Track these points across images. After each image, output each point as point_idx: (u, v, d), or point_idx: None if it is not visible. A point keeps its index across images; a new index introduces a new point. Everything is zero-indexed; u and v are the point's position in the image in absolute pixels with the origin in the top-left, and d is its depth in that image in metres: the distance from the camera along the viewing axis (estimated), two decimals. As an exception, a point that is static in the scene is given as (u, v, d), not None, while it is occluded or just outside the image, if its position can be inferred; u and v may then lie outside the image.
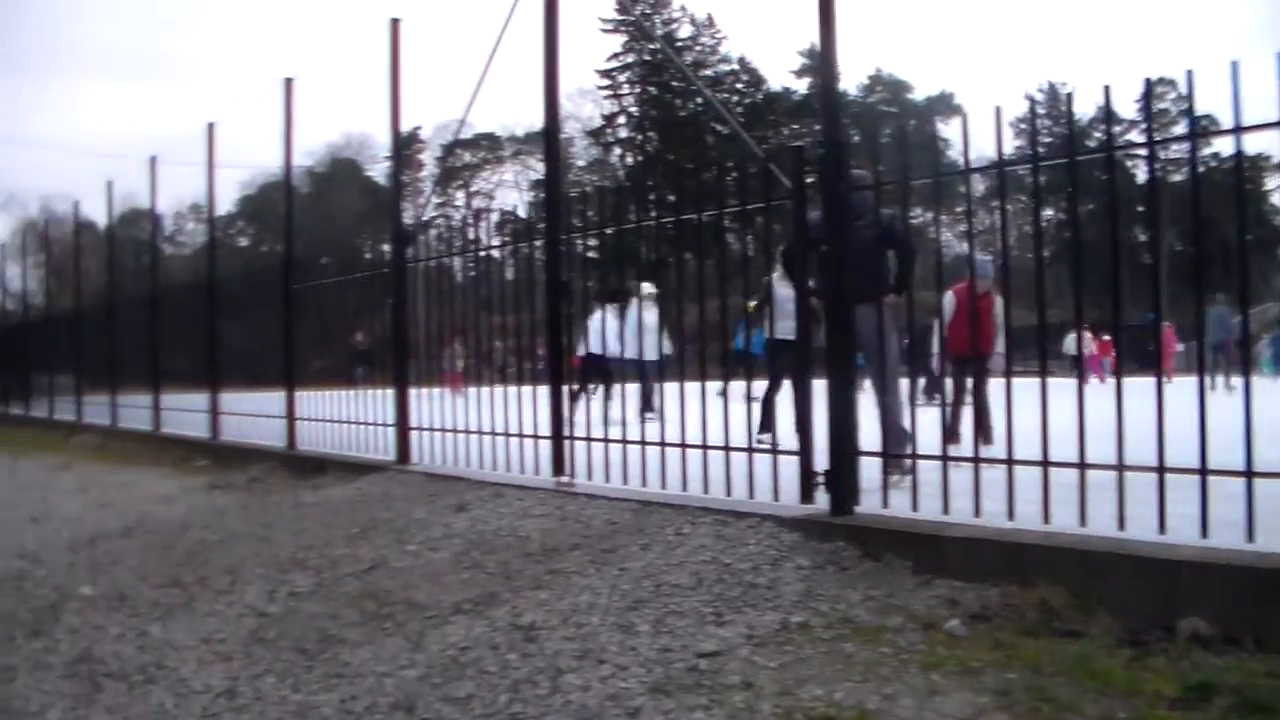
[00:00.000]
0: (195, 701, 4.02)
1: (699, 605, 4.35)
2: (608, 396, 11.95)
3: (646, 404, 11.64)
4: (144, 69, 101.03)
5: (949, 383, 7.78)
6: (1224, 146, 43.50)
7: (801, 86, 68.12)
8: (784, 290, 10.13)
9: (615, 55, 69.51)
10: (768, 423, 8.17)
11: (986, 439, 6.68)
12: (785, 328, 9.91)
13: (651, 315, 11.58)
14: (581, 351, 11.64)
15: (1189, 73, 4.18)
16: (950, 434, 6.60)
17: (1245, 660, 3.44)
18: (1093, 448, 4.47)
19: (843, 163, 5.50)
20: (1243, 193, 5.65)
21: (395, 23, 8.88)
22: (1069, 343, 24.33)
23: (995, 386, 7.02)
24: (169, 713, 3.94)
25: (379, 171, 67.43)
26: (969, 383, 8.45)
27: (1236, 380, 15.28)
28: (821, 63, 5.71)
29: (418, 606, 4.89)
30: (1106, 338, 26.33)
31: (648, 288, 11.23)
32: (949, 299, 8.26)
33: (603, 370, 12.73)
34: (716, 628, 4.12)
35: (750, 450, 5.95)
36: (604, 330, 11.71)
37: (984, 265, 8.79)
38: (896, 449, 5.92)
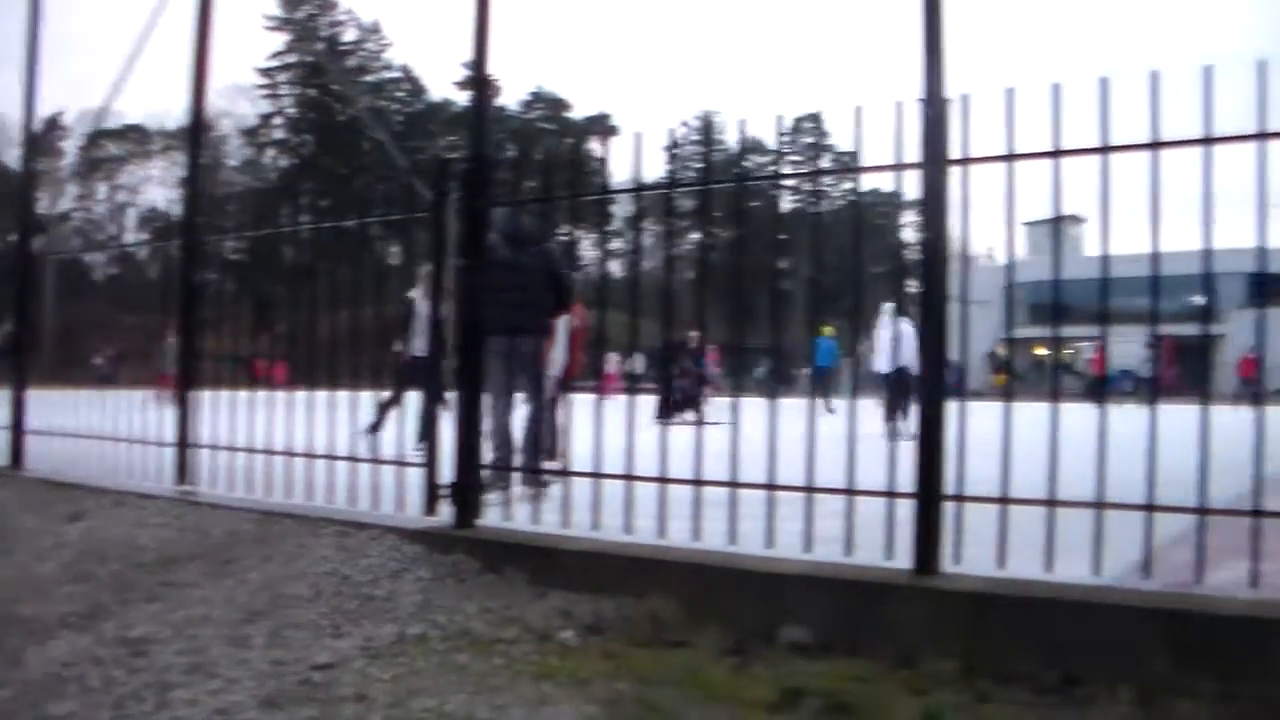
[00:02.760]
0: None
1: (316, 617, 4.35)
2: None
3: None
4: None
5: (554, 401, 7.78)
6: (880, 182, 45.97)
7: (463, 98, 66.81)
8: (424, 307, 9.99)
9: (276, 54, 66.62)
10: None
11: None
12: (421, 345, 9.70)
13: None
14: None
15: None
16: (559, 451, 6.99)
17: (837, 665, 3.70)
18: (712, 467, 4.71)
19: (485, 177, 5.40)
20: (860, 228, 6.08)
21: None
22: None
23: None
24: None
25: (11, 158, 61.83)
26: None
27: (836, 403, 16.61)
28: (473, 73, 5.63)
29: (19, 621, 4.60)
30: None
31: None
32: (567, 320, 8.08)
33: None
34: (333, 640, 4.12)
35: (374, 461, 5.93)
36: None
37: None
38: (527, 464, 6.09)
